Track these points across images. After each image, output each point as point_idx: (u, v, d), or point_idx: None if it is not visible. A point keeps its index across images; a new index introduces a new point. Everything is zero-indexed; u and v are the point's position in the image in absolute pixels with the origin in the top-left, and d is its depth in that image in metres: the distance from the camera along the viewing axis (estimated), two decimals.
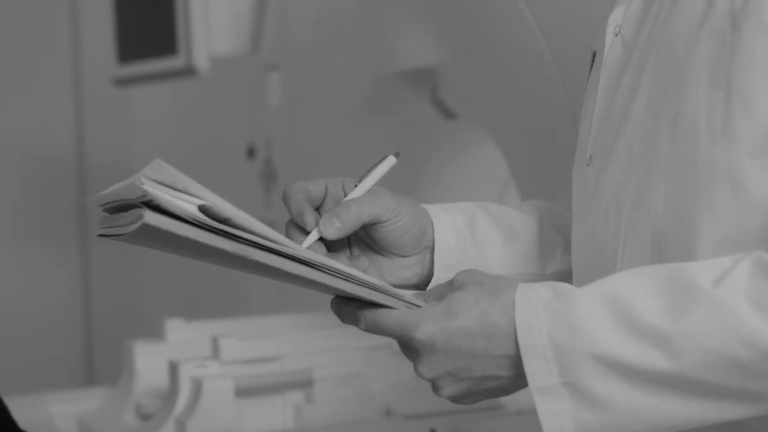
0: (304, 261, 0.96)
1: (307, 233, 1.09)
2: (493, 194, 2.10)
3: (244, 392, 1.71)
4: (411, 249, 1.14)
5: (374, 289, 1.00)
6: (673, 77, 1.01)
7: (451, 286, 1.01)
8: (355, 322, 1.02)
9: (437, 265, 1.15)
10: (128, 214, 0.91)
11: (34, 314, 3.52)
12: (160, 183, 0.89)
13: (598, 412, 0.95)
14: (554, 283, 0.99)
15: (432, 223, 1.16)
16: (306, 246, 1.08)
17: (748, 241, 0.97)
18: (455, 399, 1.01)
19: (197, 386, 1.68)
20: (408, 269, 1.14)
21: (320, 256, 0.98)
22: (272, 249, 0.94)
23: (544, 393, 0.96)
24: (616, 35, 1.11)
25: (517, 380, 0.98)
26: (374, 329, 1.01)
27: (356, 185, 1.12)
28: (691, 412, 0.95)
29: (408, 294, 1.01)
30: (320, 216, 1.10)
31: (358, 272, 1.00)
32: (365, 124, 2.16)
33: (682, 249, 0.99)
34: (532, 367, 0.96)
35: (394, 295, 1.00)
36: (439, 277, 1.14)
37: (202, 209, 0.90)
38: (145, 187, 0.89)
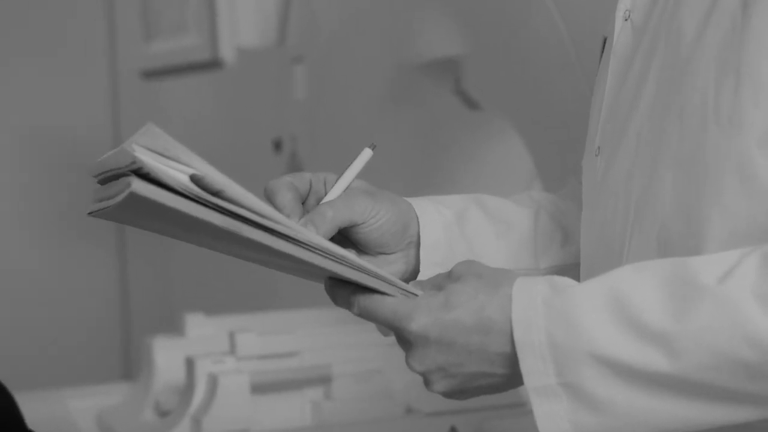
0: (298, 241, 0.92)
1: None
2: (519, 187, 2.06)
3: (261, 388, 1.68)
4: (393, 246, 1.10)
5: (370, 275, 0.96)
6: (681, 64, 0.97)
7: (450, 276, 0.97)
8: (348, 306, 0.99)
9: (423, 261, 1.11)
10: (117, 183, 0.87)
11: (71, 309, 3.53)
12: (152, 150, 0.85)
13: (596, 413, 0.91)
14: (553, 277, 0.95)
15: (417, 217, 1.12)
16: None
17: (758, 235, 0.92)
18: (447, 395, 0.97)
19: (213, 382, 1.65)
20: (392, 265, 1.10)
21: (317, 237, 0.94)
22: (265, 226, 0.90)
23: (541, 393, 0.92)
24: (626, 20, 1.06)
25: (512, 378, 0.95)
26: (367, 315, 0.97)
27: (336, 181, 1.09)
28: (693, 415, 0.90)
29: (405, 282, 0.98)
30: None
31: (354, 256, 0.96)
32: (389, 116, 2.13)
33: (689, 244, 0.95)
34: (528, 366, 0.92)
35: (390, 282, 0.96)
36: (426, 274, 1.10)
37: (194, 179, 0.86)
38: (135, 153, 0.85)
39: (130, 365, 3.60)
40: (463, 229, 1.14)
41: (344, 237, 1.10)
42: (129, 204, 0.86)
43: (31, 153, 3.47)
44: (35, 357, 3.41)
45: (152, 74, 2.61)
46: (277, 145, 2.51)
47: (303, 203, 1.09)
